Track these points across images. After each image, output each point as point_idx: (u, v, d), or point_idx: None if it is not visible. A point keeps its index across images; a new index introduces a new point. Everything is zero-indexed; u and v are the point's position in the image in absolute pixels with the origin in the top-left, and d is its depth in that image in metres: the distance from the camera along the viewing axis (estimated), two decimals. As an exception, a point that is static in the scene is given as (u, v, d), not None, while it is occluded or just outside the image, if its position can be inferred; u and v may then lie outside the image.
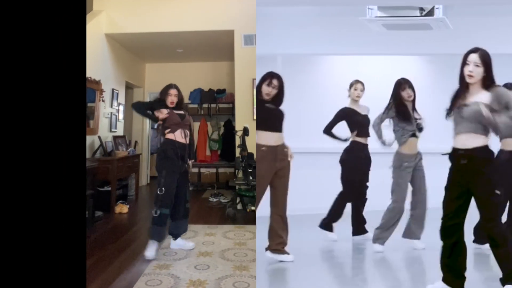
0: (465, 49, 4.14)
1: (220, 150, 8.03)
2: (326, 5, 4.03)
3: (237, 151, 5.61)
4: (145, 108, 3.80)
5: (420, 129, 3.46)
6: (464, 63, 2.37)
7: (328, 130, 3.79)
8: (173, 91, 3.66)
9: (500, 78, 2.47)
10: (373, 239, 3.45)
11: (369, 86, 4.27)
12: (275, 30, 4.52)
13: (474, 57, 2.34)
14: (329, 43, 4.47)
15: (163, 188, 3.49)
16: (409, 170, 3.40)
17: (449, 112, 2.43)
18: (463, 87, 2.39)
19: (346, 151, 3.79)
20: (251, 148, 5.38)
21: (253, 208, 5.05)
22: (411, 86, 3.47)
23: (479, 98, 2.33)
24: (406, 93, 3.46)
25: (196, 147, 7.86)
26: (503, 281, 2.32)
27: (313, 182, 4.63)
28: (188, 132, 3.70)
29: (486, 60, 2.33)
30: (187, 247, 3.78)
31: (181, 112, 3.71)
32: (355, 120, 3.80)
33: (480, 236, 3.40)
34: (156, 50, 7.26)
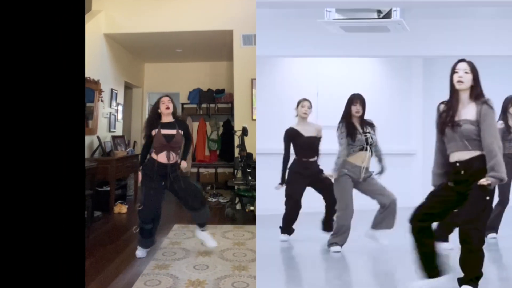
0: (422, 50, 4.17)
1: (219, 150, 8.03)
2: (285, 7, 3.94)
3: (236, 151, 5.61)
4: (147, 147, 3.70)
5: (369, 143, 3.46)
6: (453, 71, 2.42)
7: (285, 162, 3.81)
8: (165, 98, 3.66)
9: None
10: (328, 244, 3.48)
11: (328, 88, 4.30)
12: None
13: (463, 65, 2.41)
14: (288, 45, 4.34)
15: (142, 205, 3.58)
16: (347, 177, 3.42)
17: (441, 128, 2.43)
18: (454, 99, 2.41)
19: (289, 169, 3.81)
20: (250, 148, 5.38)
21: (252, 208, 5.05)
22: (362, 102, 3.49)
23: (469, 114, 2.36)
24: (355, 109, 3.48)
25: (195, 147, 7.86)
26: (462, 281, 2.31)
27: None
28: (174, 155, 3.58)
29: (474, 69, 2.40)
30: (209, 242, 3.73)
31: (172, 132, 3.56)
32: (298, 142, 3.82)
33: (439, 234, 3.46)
34: (155, 50, 7.26)
